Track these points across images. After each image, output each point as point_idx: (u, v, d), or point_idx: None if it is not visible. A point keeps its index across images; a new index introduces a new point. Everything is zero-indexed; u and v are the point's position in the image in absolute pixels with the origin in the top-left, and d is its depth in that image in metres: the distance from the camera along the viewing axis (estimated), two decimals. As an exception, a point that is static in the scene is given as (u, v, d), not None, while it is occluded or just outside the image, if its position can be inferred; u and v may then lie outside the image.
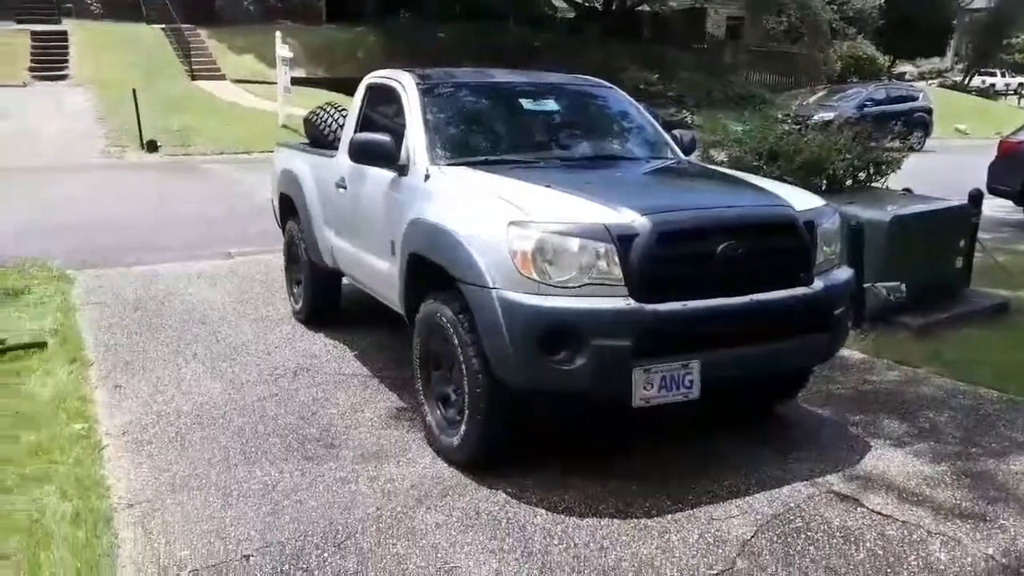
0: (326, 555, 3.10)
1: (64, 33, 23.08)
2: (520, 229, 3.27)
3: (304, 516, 3.38)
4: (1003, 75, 44.85)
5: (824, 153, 6.68)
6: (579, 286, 3.24)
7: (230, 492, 3.59)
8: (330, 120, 5.87)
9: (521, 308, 3.23)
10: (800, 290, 3.59)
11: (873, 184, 7.05)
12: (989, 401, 4.68)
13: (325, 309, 5.99)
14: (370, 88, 5.12)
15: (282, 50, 18.06)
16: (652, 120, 5.07)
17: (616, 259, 3.25)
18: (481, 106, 4.74)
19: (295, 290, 6.31)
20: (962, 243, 6.53)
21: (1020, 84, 44.19)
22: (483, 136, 4.54)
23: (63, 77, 21.08)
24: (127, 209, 10.93)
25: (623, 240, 3.26)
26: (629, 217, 3.31)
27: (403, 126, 4.44)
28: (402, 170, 4.25)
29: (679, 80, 25.20)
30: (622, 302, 3.23)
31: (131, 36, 23.64)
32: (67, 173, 13.69)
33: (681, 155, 4.89)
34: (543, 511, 3.40)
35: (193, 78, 21.88)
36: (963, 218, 6.52)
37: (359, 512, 3.41)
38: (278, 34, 18.52)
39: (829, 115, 16.55)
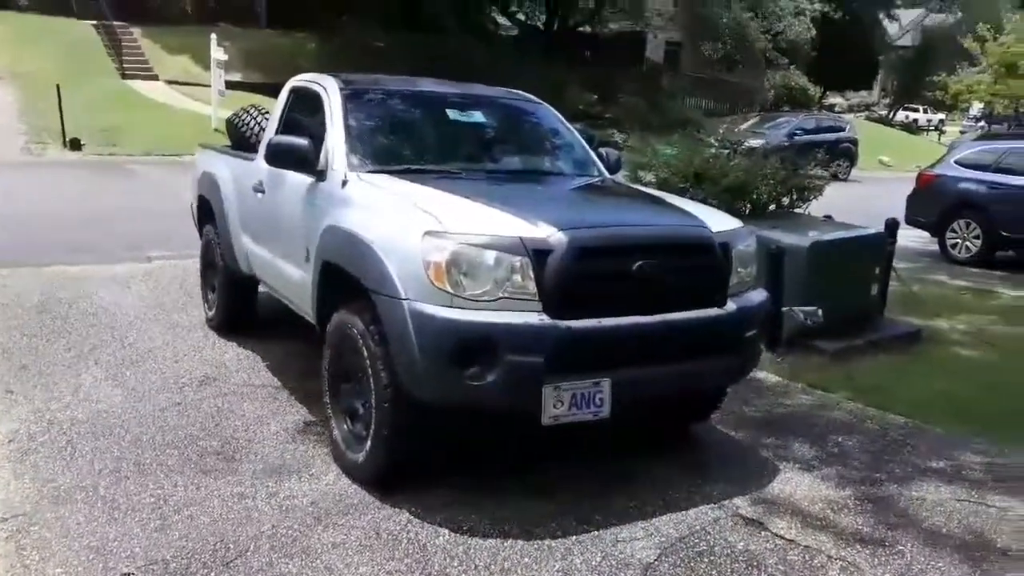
0: (212, 574, 2.94)
1: (-13, 24, 22.19)
2: (435, 240, 3.19)
3: (194, 532, 3.21)
4: (925, 111, 46.81)
5: (749, 178, 6.78)
6: (493, 300, 3.17)
7: (117, 506, 3.40)
8: (252, 123, 5.71)
9: (433, 321, 3.14)
10: (713, 311, 3.59)
11: (796, 210, 7.19)
12: (896, 427, 4.77)
13: (239, 317, 5.80)
14: (293, 91, 4.99)
15: (217, 52, 17.67)
16: (579, 138, 5.06)
17: (531, 273, 3.19)
18: (406, 114, 4.65)
19: (210, 296, 6.09)
20: (878, 270, 6.69)
21: (940, 120, 46.21)
22: (406, 145, 4.45)
23: (-17, 69, 20.24)
24: (44, 208, 10.49)
25: (539, 255, 3.20)
26: (546, 232, 3.26)
27: (324, 131, 4.32)
28: (320, 176, 4.13)
29: (618, 103, 25.53)
30: (536, 317, 3.17)
31: (59, 30, 22.85)
32: (-18, 168, 13.11)
33: (606, 174, 4.88)
34: (446, 531, 3.30)
35: (124, 77, 21.28)
36: (879, 246, 6.69)
37: (253, 529, 3.25)
38: (213, 36, 18.12)
39: (759, 142, 17.00)
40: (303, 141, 4.09)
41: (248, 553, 3.08)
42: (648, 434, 4.40)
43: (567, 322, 3.19)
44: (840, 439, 4.54)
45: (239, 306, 5.73)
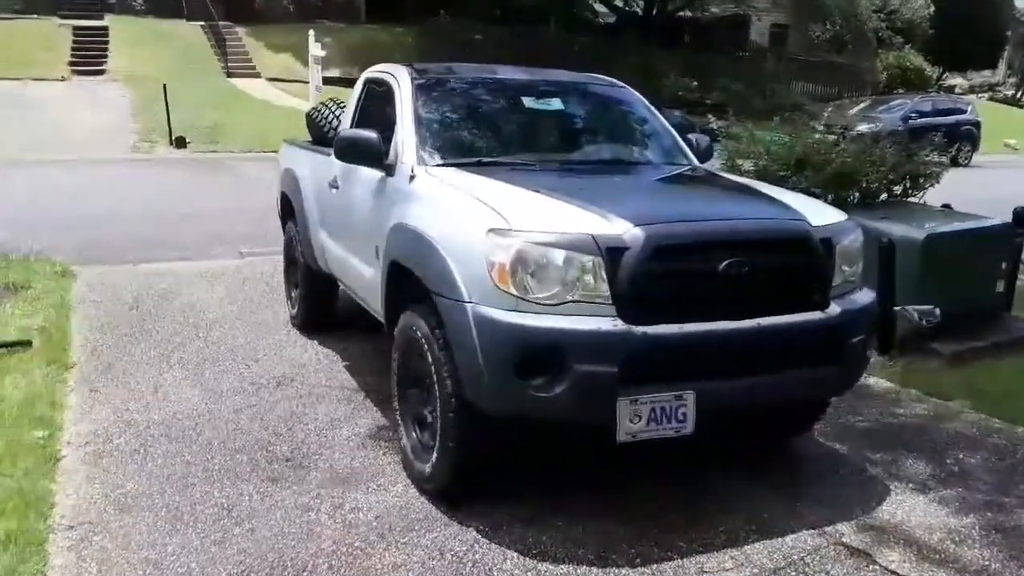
0: (265, 595, 2.80)
1: (105, 28, 23.29)
2: (499, 238, 2.95)
3: (253, 547, 3.09)
4: (1058, 90, 43.39)
5: (857, 164, 6.25)
6: (562, 303, 2.91)
7: (181, 515, 3.31)
8: (331, 116, 5.60)
9: (497, 326, 2.90)
10: (814, 315, 3.21)
11: (909, 199, 6.60)
12: (1028, 442, 4.24)
13: (320, 315, 5.72)
14: (368, 82, 4.84)
15: (314, 49, 17.97)
16: (666, 124, 4.71)
17: (604, 274, 2.91)
18: (480, 104, 4.41)
19: (292, 294, 6.05)
20: (1004, 265, 6.05)
21: (1076, 100, 42.77)
22: (479, 136, 4.23)
23: (101, 72, 21.26)
24: (146, 204, 10.80)
25: (612, 253, 2.91)
26: (621, 227, 2.97)
27: (395, 123, 4.14)
28: (389, 170, 3.95)
29: (719, 88, 24.65)
30: (609, 323, 2.89)
31: (170, 33, 23.79)
32: (94, 167, 13.67)
33: (696, 162, 4.52)
34: (515, 554, 3.06)
35: (228, 75, 21.95)
36: (1006, 238, 6.04)
37: (313, 546, 3.10)
38: (311, 33, 18.44)
39: (870, 126, 16.01)
40: (371, 134, 3.92)
41: (305, 573, 2.93)
42: (740, 448, 4.03)
43: (644, 328, 2.90)
44: (961, 456, 4.06)
45: (319, 304, 5.65)
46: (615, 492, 3.56)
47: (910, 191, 6.52)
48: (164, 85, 16.36)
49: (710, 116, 19.53)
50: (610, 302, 2.91)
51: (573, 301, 2.90)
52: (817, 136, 6.96)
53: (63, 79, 20.36)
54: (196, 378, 4.87)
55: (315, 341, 5.60)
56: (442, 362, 3.16)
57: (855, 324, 3.35)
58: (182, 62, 21.47)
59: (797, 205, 3.49)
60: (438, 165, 3.83)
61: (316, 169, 5.24)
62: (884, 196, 6.50)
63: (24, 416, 4.12)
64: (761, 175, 6.38)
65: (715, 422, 3.17)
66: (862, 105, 21.93)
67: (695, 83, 24.36)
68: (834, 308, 3.27)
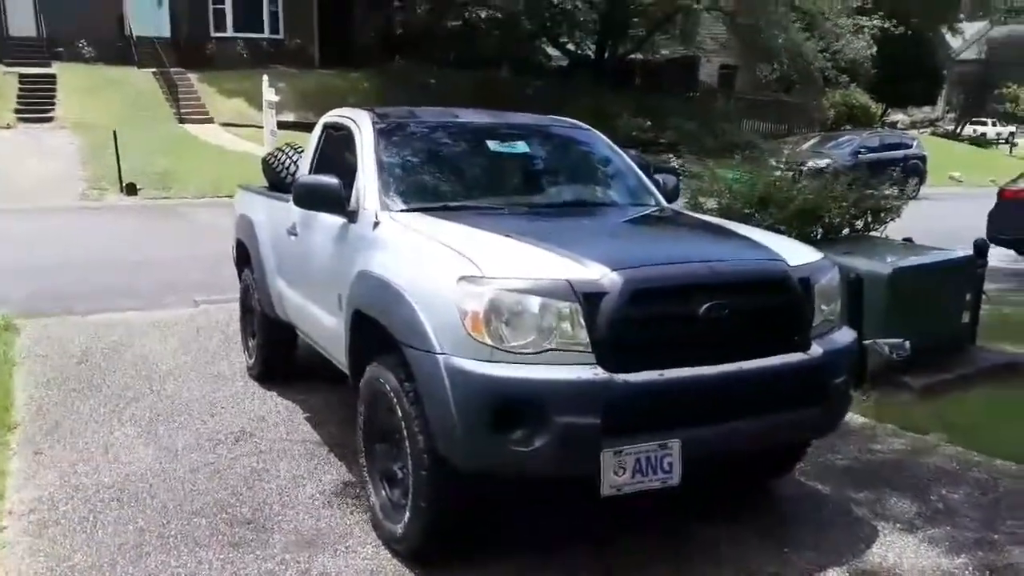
0: None
1: (53, 76, 22.83)
2: (472, 286, 2.82)
3: (214, 623, 2.87)
4: (994, 124, 45.03)
5: (819, 200, 6.28)
6: (539, 352, 2.78)
7: (135, 590, 3.08)
8: (287, 161, 5.45)
9: (471, 377, 2.76)
10: (795, 356, 3.14)
11: (872, 233, 6.64)
12: (1008, 475, 4.19)
13: (279, 365, 5.51)
14: (327, 127, 4.71)
15: (268, 93, 17.82)
16: (632, 165, 4.66)
17: (582, 321, 2.79)
18: (443, 147, 4.31)
19: (250, 344, 5.83)
20: (968, 296, 6.10)
21: (1011, 133, 44.37)
22: (444, 180, 4.11)
23: (49, 119, 20.80)
24: (96, 253, 10.47)
25: (590, 299, 2.81)
26: (598, 272, 2.86)
27: (356, 168, 4.02)
28: (351, 216, 3.82)
29: (672, 128, 25.03)
30: (589, 371, 2.77)
31: (120, 80, 23.41)
32: (41, 215, 13.28)
33: (664, 203, 4.47)
34: (497, 618, 2.89)
35: (181, 121, 21.64)
36: (969, 269, 6.10)
37: (280, 618, 2.89)
38: (265, 77, 18.30)
39: (823, 162, 16.32)
40: (332, 180, 3.79)
41: (271, 649, 2.72)
42: (721, 492, 3.91)
43: (625, 376, 2.78)
44: (944, 491, 4.00)
45: (278, 353, 5.45)
46: (600, 545, 3.40)
47: (871, 225, 6.56)
48: (114, 132, 16.04)
49: (670, 156, 19.80)
50: (589, 350, 2.79)
51: (551, 350, 2.78)
52: (778, 174, 6.98)
53: (8, 127, 19.87)
54: (149, 435, 4.62)
55: (274, 392, 5.39)
56: (412, 416, 3.00)
57: (837, 364, 3.27)
58: (133, 109, 21.13)
59: (773, 245, 3.44)
60: (402, 210, 3.71)
61: (273, 215, 5.08)
62: (846, 231, 6.53)
63: (-40, 485, 3.84)
64: (724, 213, 6.38)
65: (700, 469, 3.05)
66: (812, 141, 22.39)
67: (648, 123, 24.69)
68: (815, 349, 3.19)
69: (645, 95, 28.09)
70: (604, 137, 4.78)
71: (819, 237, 6.27)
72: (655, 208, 4.35)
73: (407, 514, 3.14)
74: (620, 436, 2.78)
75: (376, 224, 3.60)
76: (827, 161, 16.80)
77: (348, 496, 3.87)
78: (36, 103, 21.20)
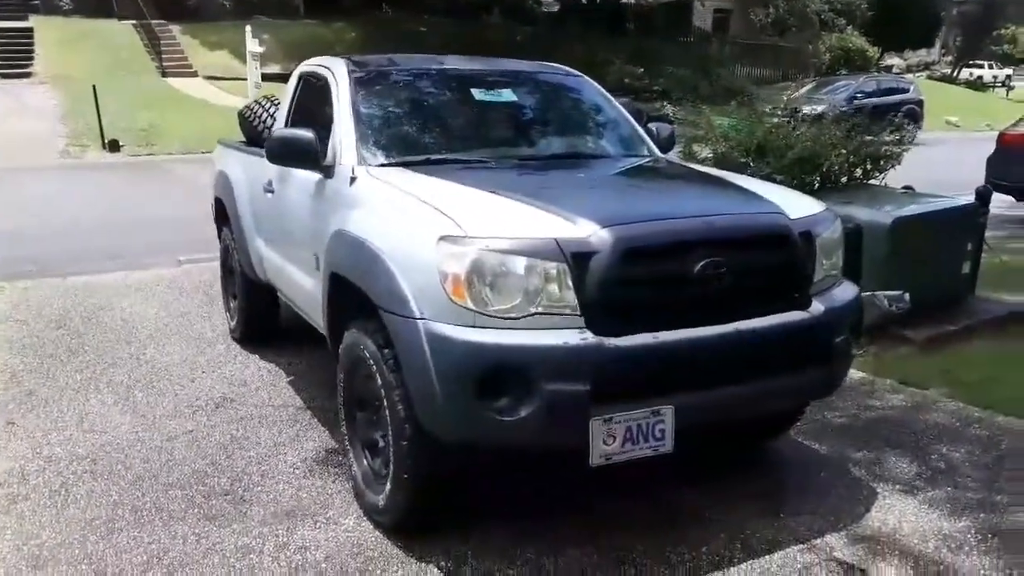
0: (200, 663, 2.46)
1: (30, 30, 22.26)
2: (452, 246, 2.63)
3: (187, 603, 2.74)
4: (991, 67, 44.43)
5: (818, 148, 6.07)
6: (525, 316, 2.61)
7: (104, 568, 2.95)
8: (264, 114, 5.21)
9: (453, 344, 2.59)
10: (795, 315, 2.97)
11: (871, 181, 6.44)
12: (1012, 432, 4.07)
13: (261, 327, 5.35)
14: (303, 77, 4.47)
15: (252, 45, 17.37)
16: (625, 113, 4.43)
17: (570, 282, 2.61)
18: (425, 97, 4.07)
19: (231, 305, 5.65)
20: (969, 246, 5.93)
21: (1007, 76, 43.81)
22: (426, 132, 3.88)
23: (27, 75, 20.34)
24: (78, 213, 10.23)
25: (579, 258, 2.62)
26: (587, 230, 2.68)
27: (333, 120, 3.79)
28: (327, 172, 3.61)
29: (665, 75, 24.54)
30: (578, 335, 2.60)
31: (100, 32, 22.83)
32: (20, 175, 12.95)
33: (658, 152, 4.26)
34: (481, 594, 2.77)
35: (164, 75, 21.17)
36: (971, 218, 5.92)
37: (255, 596, 2.77)
38: (248, 29, 17.82)
39: (819, 108, 16.00)
40: (306, 133, 3.56)
41: (245, 630, 2.60)
42: (713, 455, 3.78)
43: (616, 340, 2.61)
44: (944, 450, 3.88)
45: (260, 315, 5.27)
46: (589, 515, 3.28)
47: (871, 173, 6.36)
48: (94, 87, 15.63)
49: (663, 103, 19.41)
50: (578, 313, 2.62)
51: (537, 314, 2.61)
52: (775, 120, 6.74)
53: (-15, 82, 19.39)
54: (126, 403, 4.47)
55: (257, 356, 5.23)
56: (393, 385, 2.84)
57: (839, 322, 3.11)
58: (114, 62, 20.62)
59: (773, 196, 3.24)
60: (381, 165, 3.50)
61: (250, 171, 4.86)
62: (845, 180, 6.34)
63: (-74, 459, 3.69)
64: (720, 162, 6.18)
65: (693, 434, 2.90)
66: (807, 87, 21.97)
67: (641, 70, 24.21)
68: (816, 306, 3.03)
69: (638, 41, 27.54)
70: (595, 84, 4.54)
71: (817, 186, 6.08)
72: (649, 159, 4.14)
73: (388, 485, 3.00)
74: (610, 403, 2.62)
75: (353, 180, 3.39)
76: (823, 107, 16.48)
77: (330, 464, 3.73)
78: (13, 57, 20.69)
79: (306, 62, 4.58)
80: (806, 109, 15.35)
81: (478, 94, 4.00)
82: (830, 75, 26.38)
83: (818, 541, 3.07)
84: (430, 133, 3.88)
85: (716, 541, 3.06)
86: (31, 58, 20.95)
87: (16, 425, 4.20)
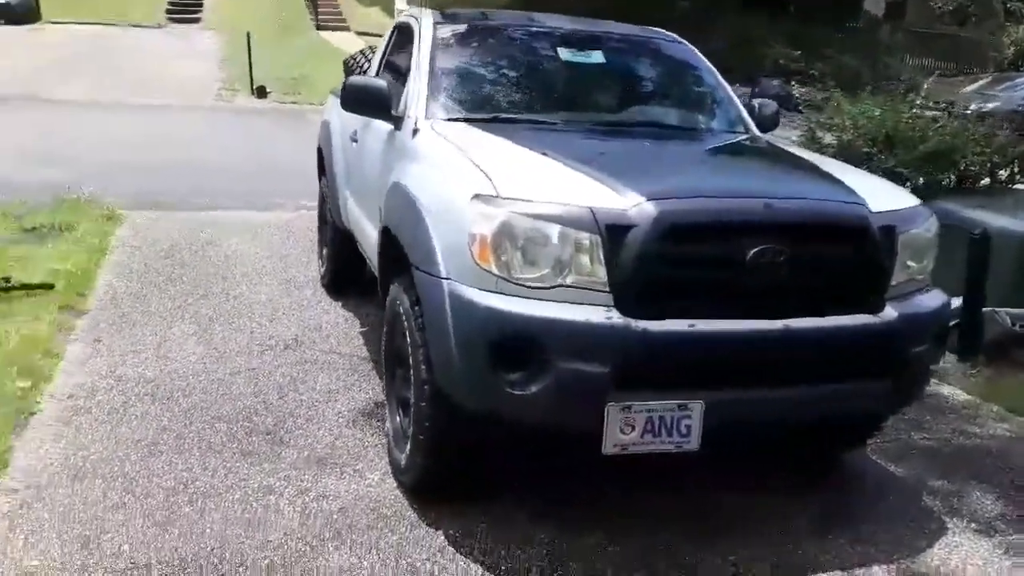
0: (189, 594, 2.49)
1: (204, -23, 23.59)
2: (483, 206, 2.50)
3: (196, 532, 2.78)
4: None
5: (957, 143, 5.50)
6: (550, 287, 2.46)
7: (134, 488, 3.04)
8: (365, 63, 5.22)
9: (473, 309, 2.47)
10: (862, 318, 2.66)
11: (1017, 186, 5.80)
12: None
13: (347, 276, 5.40)
14: (396, 28, 4.43)
15: (400, 2, 17.64)
16: (725, 86, 4.12)
17: (601, 256, 2.43)
18: (508, 54, 3.92)
19: (323, 252, 5.75)
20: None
21: None
22: (501, 89, 3.74)
23: (196, 20, 21.60)
24: (217, 153, 10.67)
25: (614, 231, 2.44)
26: (630, 201, 2.48)
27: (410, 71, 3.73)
28: (397, 123, 3.55)
29: (825, 59, 23.16)
30: (603, 314, 2.42)
31: (267, -17, 23.90)
32: (174, 113, 13.76)
33: (755, 131, 3.95)
34: (480, 569, 2.66)
35: (319, 28, 21.95)
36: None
37: (260, 537, 2.77)
38: (399, -15, 18.14)
39: (989, 105, 14.68)
40: (378, 82, 3.52)
41: (240, 569, 2.60)
42: (771, 458, 3.51)
43: (645, 323, 2.42)
44: (1043, 492, 3.43)
45: (345, 264, 5.32)
46: (614, 503, 3.10)
47: (1017, 177, 5.72)
48: (247, 34, 16.37)
49: (812, 87, 18.35)
50: (607, 289, 2.44)
51: (564, 286, 2.45)
52: (914, 111, 6.17)
53: (159, 26, 20.73)
54: (204, 334, 4.63)
55: (339, 303, 5.30)
56: (418, 344, 2.76)
57: (917, 331, 2.77)
58: (273, 13, 21.57)
59: (857, 185, 2.91)
60: (448, 120, 3.40)
61: (344, 121, 4.87)
62: (986, 181, 5.73)
63: (13, 364, 3.92)
64: (843, 151, 5.71)
65: (735, 434, 2.68)
66: (982, 82, 20.18)
67: (798, 53, 22.93)
68: (890, 311, 2.71)
69: (799, 24, 26.09)
70: (699, 54, 4.25)
71: (951, 186, 5.52)
72: (740, 136, 3.84)
73: (408, 444, 2.94)
74: (632, 390, 2.44)
75: (415, 132, 3.31)
76: (995, 104, 15.11)
77: (374, 417, 3.71)
78: (186, 4, 22.01)
79: (404, 12, 4.52)
80: (973, 106, 14.14)
81: (564, 54, 3.82)
82: (1012, 71, 24.11)
83: (861, 572, 2.78)
84: (505, 91, 3.74)
85: (750, 552, 2.82)
86: (200, 5, 22.19)
87: (101, 343, 4.42)
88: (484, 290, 2.47)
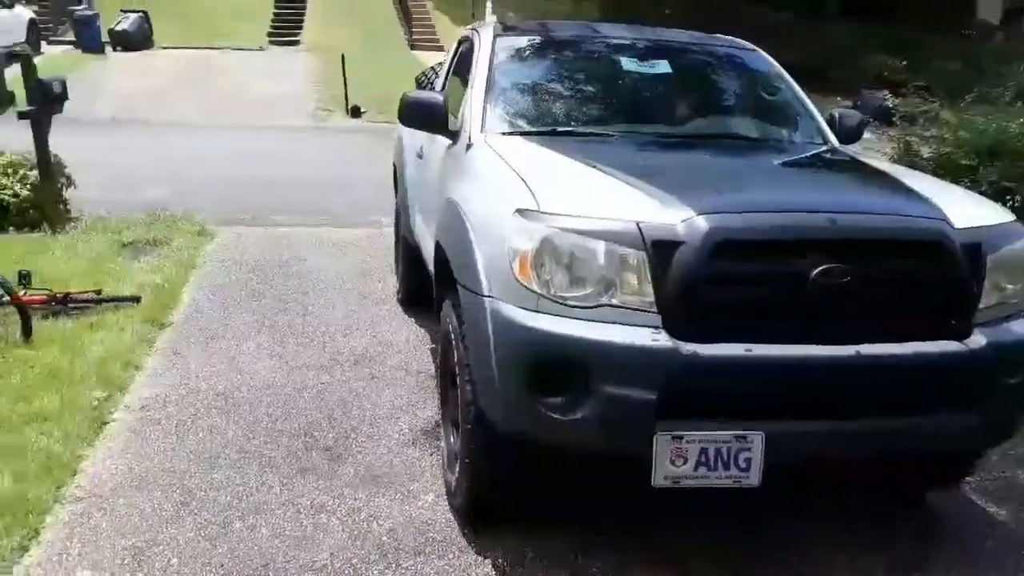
0: (229, 612, 2.48)
1: (304, 1, 24.39)
2: (524, 221, 2.41)
3: (244, 549, 2.78)
4: None
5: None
6: (593, 307, 2.34)
7: (190, 501, 3.07)
8: (435, 78, 5.22)
9: (513, 328, 2.38)
10: (945, 345, 2.43)
11: None
12: None
13: (419, 291, 5.38)
14: (460, 41, 4.40)
15: (490, 19, 17.79)
16: (802, 97, 3.91)
17: (648, 274, 2.30)
18: (568, 65, 3.84)
19: (399, 268, 5.78)
20: None
21: None
22: (560, 101, 3.66)
23: (295, 43, 22.31)
24: (311, 170, 10.97)
25: (662, 247, 2.30)
26: (679, 215, 2.34)
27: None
28: (454, 137, 3.51)
29: (931, 69, 22.09)
30: (649, 336, 2.29)
31: (363, 4, 24.51)
32: (271, 133, 14.21)
33: (834, 142, 3.72)
34: (524, 602, 2.56)
35: (412, 47, 22.33)
36: None
37: (306, 557, 2.75)
38: (489, 3, 18.29)
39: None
40: (433, 97, 3.50)
41: (282, 588, 2.58)
42: (851, 493, 3.27)
43: (696, 347, 2.27)
44: None
45: (416, 279, 5.31)
46: (672, 534, 2.94)
47: None
48: (342, 55, 16.80)
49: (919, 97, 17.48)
50: (654, 310, 2.31)
51: (608, 305, 2.33)
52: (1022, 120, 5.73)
53: (261, 49, 21.52)
54: (277, 348, 4.69)
55: (413, 319, 5.30)
56: (464, 364, 2.69)
57: (1010, 360, 2.51)
58: (368, 34, 22.06)
59: (941, 198, 2.68)
60: (503, 133, 3.33)
61: (413, 137, 4.89)
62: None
63: (93, 374, 4.06)
64: (941, 165, 5.36)
65: (800, 469, 2.49)
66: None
67: (903, 62, 21.97)
68: (978, 338, 2.46)
69: (906, 31, 24.98)
70: (773, 62, 4.06)
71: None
72: (817, 148, 3.63)
73: (457, 467, 2.87)
74: (684, 418, 2.30)
75: (469, 146, 3.26)
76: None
77: (434, 437, 3.66)
78: (286, 27, 22.80)
79: (469, 25, 4.50)
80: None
81: (628, 64, 3.71)
82: None
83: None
84: (563, 103, 3.64)
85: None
86: (300, 28, 22.97)
87: (180, 355, 4.54)
88: (525, 309, 2.38)
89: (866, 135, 4.40)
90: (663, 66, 3.73)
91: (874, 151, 5.48)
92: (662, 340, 2.27)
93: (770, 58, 4.05)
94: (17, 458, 3.22)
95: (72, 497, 3.05)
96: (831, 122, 3.83)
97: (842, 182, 3.13)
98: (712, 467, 2.32)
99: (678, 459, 2.30)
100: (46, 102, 6.91)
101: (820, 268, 2.30)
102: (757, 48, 4.10)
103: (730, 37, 4.24)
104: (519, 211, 2.43)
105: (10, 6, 18.62)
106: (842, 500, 3.24)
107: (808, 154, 3.53)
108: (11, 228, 6.75)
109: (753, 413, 2.33)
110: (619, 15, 21.65)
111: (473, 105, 3.46)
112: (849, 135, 3.81)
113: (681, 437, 2.29)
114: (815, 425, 2.37)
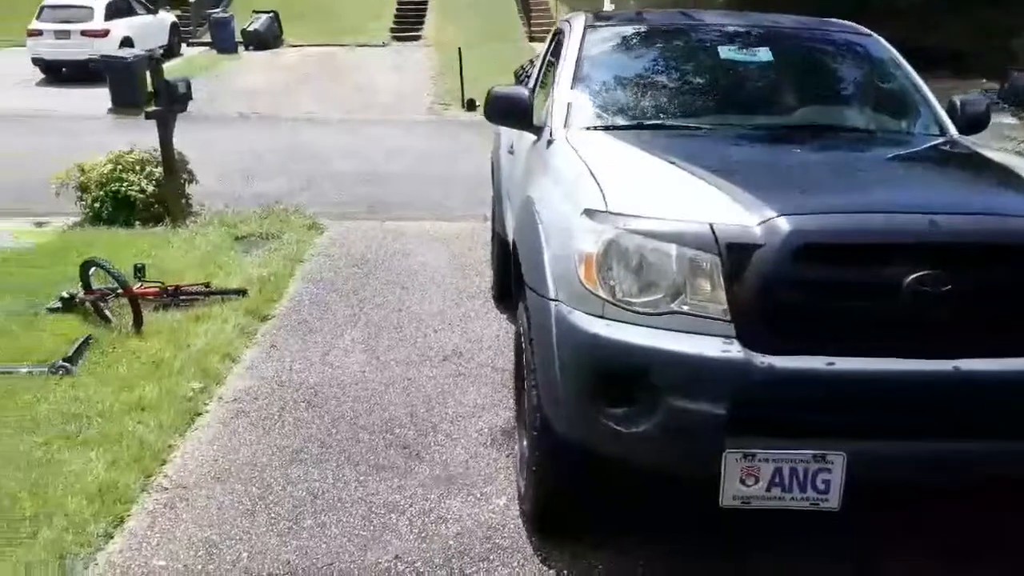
0: (292, 610, 2.49)
1: (426, -1, 24.84)
2: (591, 222, 2.29)
3: (312, 547, 2.80)
4: None
5: None
6: (660, 313, 2.19)
7: (267, 495, 3.12)
8: (532, 71, 5.13)
9: (575, 334, 2.27)
10: (1058, 363, 2.15)
11: None
12: None
13: (510, 287, 5.33)
14: (554, 33, 4.29)
15: (608, 8, 17.54)
16: (919, 84, 3.57)
17: (721, 279, 2.14)
18: (661, 56, 3.66)
19: (494, 263, 5.74)
20: None
21: None
22: (648, 93, 3.46)
23: (416, 38, 22.73)
24: (424, 164, 11.12)
25: (737, 250, 2.13)
26: (757, 216, 2.16)
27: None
28: (538, 133, 3.40)
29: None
30: (720, 346, 2.13)
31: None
32: (388, 126, 14.51)
33: (953, 133, 3.38)
34: (586, 620, 2.44)
35: (530, 39, 22.30)
36: None
37: (372, 557, 2.74)
38: (606, -6, 18.04)
39: None
40: (517, 91, 3.39)
41: (344, 589, 2.57)
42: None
43: (772, 359, 2.09)
44: None
45: (507, 275, 5.26)
46: (744, 553, 2.75)
47: None
48: (459, 50, 16.94)
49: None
50: (727, 318, 2.14)
51: (676, 312, 2.18)
52: None
53: (383, 44, 22.04)
54: (369, 343, 4.74)
55: (505, 316, 5.24)
56: (532, 368, 2.60)
57: None
58: (488, 28, 22.22)
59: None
60: (587, 128, 3.20)
61: (507, 133, 4.82)
62: None
63: (192, 366, 4.21)
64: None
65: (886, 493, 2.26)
66: None
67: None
68: (1105, 354, 2.16)
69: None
70: (888, 46, 3.73)
71: None
72: (935, 140, 3.31)
73: (525, 473, 2.78)
74: (756, 436, 2.12)
75: (550, 143, 3.15)
76: None
77: (513, 438, 3.58)
78: (408, 23, 23.27)
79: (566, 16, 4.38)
80: None
81: (726, 53, 3.49)
82: None
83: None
84: (652, 96, 3.45)
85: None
86: (422, 23, 23.39)
87: (276, 348, 4.66)
88: (590, 315, 2.26)
89: (1008, 120, 4.00)
90: (763, 54, 3.50)
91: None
92: (734, 351, 2.10)
93: (884, 42, 3.72)
94: (113, 446, 3.36)
95: (158, 487, 3.16)
96: (951, 110, 3.48)
97: (951, 178, 2.83)
98: (787, 488, 2.14)
99: (749, 478, 2.13)
100: (171, 102, 7.27)
101: (915, 275, 2.07)
102: (872, 32, 3.78)
103: (843, 21, 3.93)
104: (586, 211, 2.31)
105: (155, 12, 19.83)
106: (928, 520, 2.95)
107: (919, 147, 3.23)
108: (137, 223, 7.12)
109: (833, 431, 2.13)
110: (745, 3, 20.95)
111: (557, 99, 3.35)
112: (972, 123, 3.46)
113: (753, 455, 2.12)
114: (906, 447, 2.14)
